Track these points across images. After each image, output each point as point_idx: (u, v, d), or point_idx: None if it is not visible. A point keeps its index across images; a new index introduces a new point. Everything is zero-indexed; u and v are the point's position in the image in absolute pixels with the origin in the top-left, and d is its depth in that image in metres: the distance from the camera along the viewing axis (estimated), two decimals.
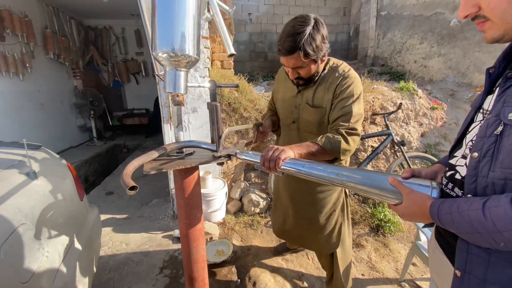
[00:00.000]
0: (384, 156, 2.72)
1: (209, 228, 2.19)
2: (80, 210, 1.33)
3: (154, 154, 0.98)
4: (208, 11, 2.64)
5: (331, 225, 1.33)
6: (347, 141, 1.06)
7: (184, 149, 1.13)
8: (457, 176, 0.66)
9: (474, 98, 3.08)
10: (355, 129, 1.09)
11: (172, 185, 2.39)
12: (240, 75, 2.79)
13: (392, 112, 2.40)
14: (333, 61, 1.20)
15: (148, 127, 6.40)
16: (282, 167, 0.92)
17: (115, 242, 2.12)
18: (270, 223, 2.40)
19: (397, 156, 2.44)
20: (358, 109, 1.10)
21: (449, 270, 0.66)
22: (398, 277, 1.84)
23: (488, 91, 0.66)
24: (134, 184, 0.79)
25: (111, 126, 6.41)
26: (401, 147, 2.37)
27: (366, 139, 2.64)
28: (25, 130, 3.99)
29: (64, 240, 1.11)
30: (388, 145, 2.54)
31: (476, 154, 0.60)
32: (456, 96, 3.26)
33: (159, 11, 0.66)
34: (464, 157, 0.66)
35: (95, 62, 6.14)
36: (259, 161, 0.98)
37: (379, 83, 2.97)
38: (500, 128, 0.55)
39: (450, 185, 0.68)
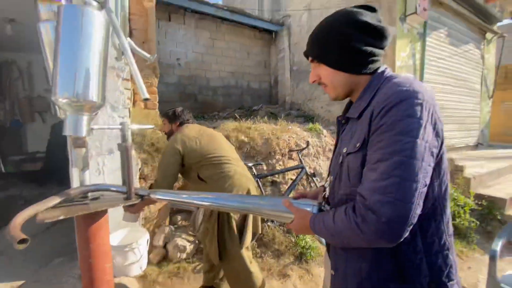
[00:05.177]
0: (302, 187, 3.04)
1: (126, 283, 1.93)
2: None
3: (53, 200, 0.90)
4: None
5: (208, 238, 1.60)
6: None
7: (89, 194, 1.06)
8: (326, 195, 0.86)
9: None
10: (157, 174, 1.66)
11: None
12: None
13: (303, 148, 2.79)
14: (179, 130, 1.77)
15: (43, 174, 5.34)
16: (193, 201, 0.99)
17: None
18: (198, 267, 2.28)
19: (311, 186, 2.78)
20: (163, 159, 1.67)
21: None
22: None
23: (338, 133, 0.92)
24: (25, 237, 0.72)
25: (3, 174, 5.20)
26: (313, 178, 2.72)
27: (286, 173, 2.93)
28: None
29: None
30: (304, 177, 2.87)
31: (332, 177, 0.81)
32: None
33: (62, 54, 0.68)
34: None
35: None
36: (176, 199, 1.03)
37: (294, 125, 3.44)
38: (341, 159, 0.77)
39: (323, 203, 0.88)
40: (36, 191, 4.89)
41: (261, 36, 6.37)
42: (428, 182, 0.63)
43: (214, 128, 3.42)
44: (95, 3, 0.69)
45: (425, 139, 0.61)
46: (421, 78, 4.22)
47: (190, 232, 2.45)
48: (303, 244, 2.50)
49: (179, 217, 2.53)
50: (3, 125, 5.54)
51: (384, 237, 0.60)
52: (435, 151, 0.65)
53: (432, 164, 0.64)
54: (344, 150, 0.75)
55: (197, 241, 2.44)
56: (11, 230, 0.73)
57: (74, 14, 0.65)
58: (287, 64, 5.84)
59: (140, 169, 2.28)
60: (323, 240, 1.80)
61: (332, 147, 3.45)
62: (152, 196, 1.05)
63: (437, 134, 0.65)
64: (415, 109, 0.62)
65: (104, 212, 1.05)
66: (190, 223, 2.51)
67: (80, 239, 1.01)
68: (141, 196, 1.05)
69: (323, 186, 1.02)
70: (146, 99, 1.10)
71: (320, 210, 0.88)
